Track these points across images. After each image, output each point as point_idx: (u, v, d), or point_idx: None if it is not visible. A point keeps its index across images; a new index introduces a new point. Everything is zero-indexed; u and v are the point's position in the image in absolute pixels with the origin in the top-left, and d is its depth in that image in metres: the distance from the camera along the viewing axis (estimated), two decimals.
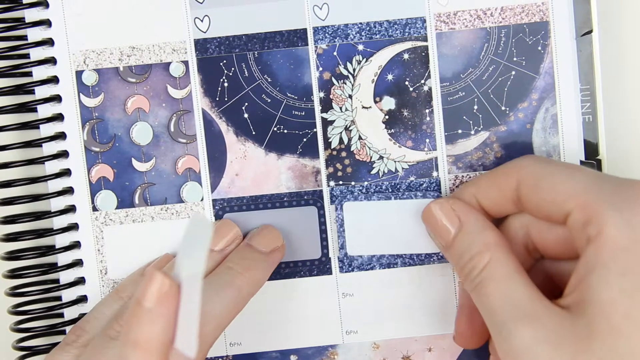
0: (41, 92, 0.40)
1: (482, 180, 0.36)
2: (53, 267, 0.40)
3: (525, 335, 0.31)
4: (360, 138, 0.40)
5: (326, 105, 0.40)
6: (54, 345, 0.40)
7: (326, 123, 0.40)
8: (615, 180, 0.32)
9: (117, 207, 0.40)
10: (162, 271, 0.30)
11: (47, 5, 0.39)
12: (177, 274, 0.30)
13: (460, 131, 0.39)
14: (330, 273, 0.40)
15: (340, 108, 0.40)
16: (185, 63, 0.40)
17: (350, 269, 0.40)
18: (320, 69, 0.39)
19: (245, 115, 0.40)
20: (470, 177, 0.40)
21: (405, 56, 0.39)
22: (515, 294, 0.32)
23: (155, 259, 0.40)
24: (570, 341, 0.30)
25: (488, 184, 0.36)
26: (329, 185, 0.40)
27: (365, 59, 0.39)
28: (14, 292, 0.40)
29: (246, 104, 0.40)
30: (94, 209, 0.40)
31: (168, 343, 0.31)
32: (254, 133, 0.40)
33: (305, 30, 0.39)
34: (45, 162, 0.40)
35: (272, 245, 0.39)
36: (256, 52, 0.39)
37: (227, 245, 0.39)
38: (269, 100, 0.40)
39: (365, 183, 0.40)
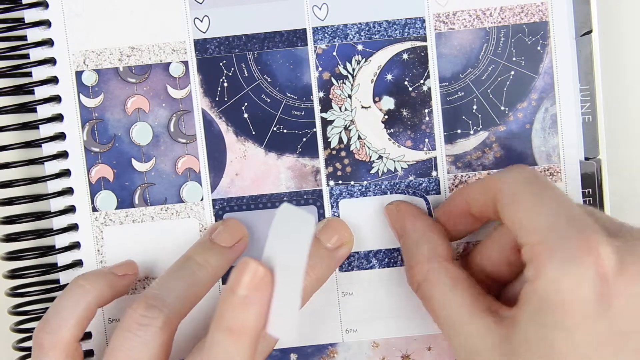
0: (41, 92, 0.40)
1: (473, 184, 0.37)
2: (53, 268, 0.40)
3: (460, 348, 0.33)
4: (359, 138, 0.40)
5: (326, 105, 0.40)
6: None
7: (326, 123, 0.40)
8: (576, 225, 0.30)
9: (117, 208, 0.40)
10: (255, 259, 0.31)
11: (46, 6, 0.39)
12: (267, 259, 0.31)
13: (459, 131, 0.40)
14: None
15: (340, 108, 0.40)
16: (185, 63, 0.40)
17: (350, 267, 0.40)
18: (320, 69, 0.39)
19: (245, 115, 0.40)
20: (469, 177, 0.40)
21: (405, 56, 0.39)
22: (452, 310, 0.33)
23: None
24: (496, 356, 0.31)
25: (476, 190, 0.36)
26: (328, 185, 0.40)
27: (364, 59, 0.39)
28: (14, 293, 0.40)
29: (246, 104, 0.40)
30: (94, 209, 0.40)
31: (260, 329, 0.31)
32: (253, 133, 0.40)
33: (304, 30, 0.39)
34: (45, 163, 0.40)
35: (339, 241, 0.39)
36: (256, 52, 0.39)
37: (235, 242, 0.39)
38: (269, 100, 0.40)
39: (365, 182, 0.40)
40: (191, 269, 0.36)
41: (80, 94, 0.40)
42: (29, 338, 0.40)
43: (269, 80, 0.40)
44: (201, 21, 0.39)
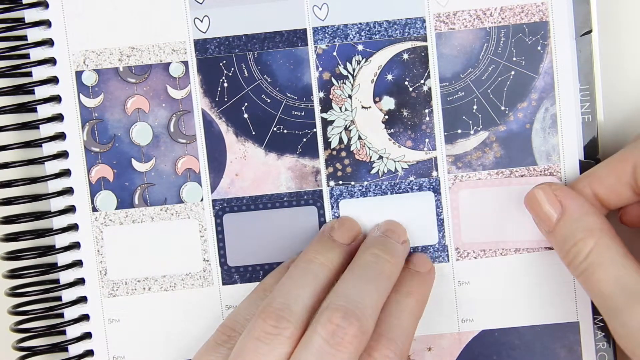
0: (41, 92, 0.40)
1: (597, 169, 0.37)
2: (53, 268, 0.40)
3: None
4: (359, 138, 0.40)
5: (326, 105, 0.40)
6: (54, 345, 0.40)
7: (326, 123, 0.40)
8: None
9: (117, 208, 0.40)
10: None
11: (46, 6, 0.39)
12: None
13: (459, 131, 0.39)
14: None
15: (340, 108, 0.40)
16: (185, 63, 0.40)
17: None
18: (320, 69, 0.39)
19: (245, 116, 0.40)
20: (469, 177, 0.40)
21: (405, 56, 0.39)
22: (625, 278, 0.33)
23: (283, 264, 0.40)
24: None
25: (603, 172, 0.36)
26: (328, 185, 0.40)
27: (364, 59, 0.39)
28: (14, 293, 0.40)
29: (246, 104, 0.40)
30: (94, 209, 0.40)
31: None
32: (253, 133, 0.40)
33: (305, 30, 0.39)
34: (45, 163, 0.40)
35: (403, 237, 0.39)
36: (256, 53, 0.39)
37: (352, 240, 0.39)
38: (269, 101, 0.40)
39: (365, 183, 0.40)
40: (314, 272, 0.36)
41: (80, 94, 0.40)
42: (29, 338, 0.40)
43: (269, 80, 0.40)
44: (201, 21, 0.39)
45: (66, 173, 0.40)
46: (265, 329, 0.33)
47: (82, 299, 0.40)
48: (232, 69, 0.40)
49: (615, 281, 0.33)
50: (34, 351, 0.40)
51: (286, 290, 0.35)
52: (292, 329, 0.33)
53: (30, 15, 0.39)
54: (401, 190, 0.40)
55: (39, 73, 0.40)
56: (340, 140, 0.40)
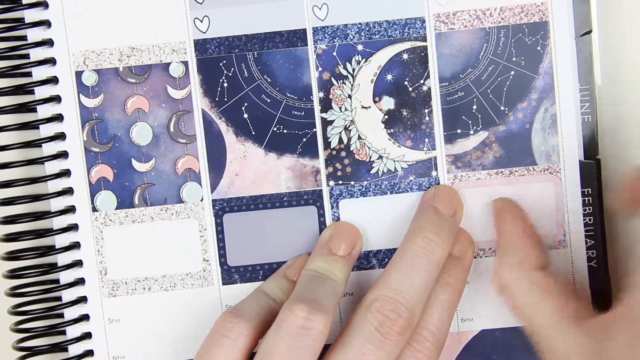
0: (41, 92, 0.40)
1: None
2: (53, 268, 0.40)
3: (550, 355, 0.34)
4: (359, 138, 0.40)
5: (326, 105, 0.40)
6: (54, 345, 0.40)
7: (326, 123, 0.40)
8: None
9: (117, 208, 0.40)
10: None
11: (46, 6, 0.39)
12: None
13: (459, 131, 0.40)
14: None
15: (340, 108, 0.40)
16: (185, 63, 0.40)
17: None
18: (320, 69, 0.40)
19: (245, 116, 0.40)
20: (469, 177, 0.40)
21: (405, 56, 0.39)
22: (542, 320, 0.34)
23: (293, 260, 0.40)
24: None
25: None
26: (328, 185, 0.40)
27: (364, 59, 0.39)
28: (14, 293, 0.40)
29: (246, 104, 0.40)
30: (94, 209, 0.40)
31: None
32: (253, 133, 0.40)
33: (304, 30, 0.39)
34: (45, 163, 0.40)
35: (456, 206, 0.39)
36: (256, 53, 0.39)
37: (351, 248, 0.39)
38: (269, 101, 0.40)
39: (365, 182, 0.40)
40: (327, 279, 0.37)
41: (80, 94, 0.40)
42: (29, 338, 0.40)
43: (269, 80, 0.40)
44: (201, 21, 0.39)
45: (66, 173, 0.40)
46: (298, 322, 0.33)
47: (82, 299, 0.40)
48: (232, 69, 0.40)
49: (532, 324, 0.35)
50: (34, 351, 0.40)
51: (307, 288, 0.36)
52: (325, 321, 0.34)
53: (30, 15, 0.39)
54: (401, 190, 0.40)
55: (39, 73, 0.40)
56: (340, 140, 0.40)
